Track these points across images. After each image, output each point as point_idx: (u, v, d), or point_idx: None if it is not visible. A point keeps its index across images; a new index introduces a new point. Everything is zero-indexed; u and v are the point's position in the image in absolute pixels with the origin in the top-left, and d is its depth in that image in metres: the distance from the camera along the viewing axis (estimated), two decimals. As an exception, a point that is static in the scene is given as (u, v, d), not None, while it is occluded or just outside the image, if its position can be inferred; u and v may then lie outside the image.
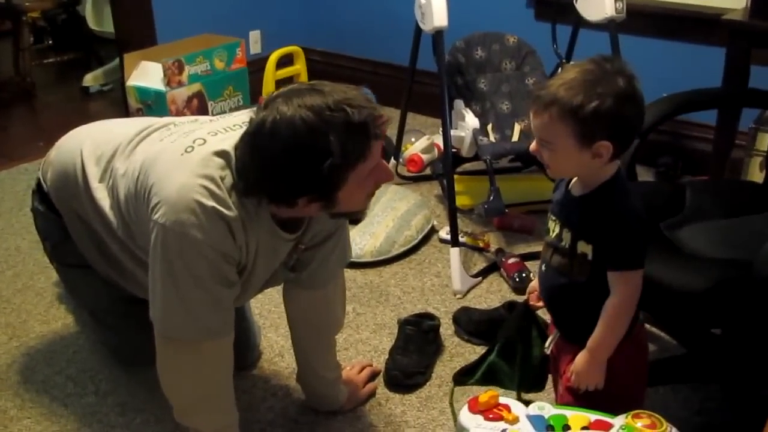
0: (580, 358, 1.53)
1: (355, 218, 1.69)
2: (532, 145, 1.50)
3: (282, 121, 1.41)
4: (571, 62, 3.04)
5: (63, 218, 1.97)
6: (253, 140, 1.45)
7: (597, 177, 1.47)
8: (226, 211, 1.49)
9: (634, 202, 1.48)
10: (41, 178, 2.01)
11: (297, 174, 1.44)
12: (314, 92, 1.44)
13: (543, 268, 1.60)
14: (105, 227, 1.81)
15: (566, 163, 1.46)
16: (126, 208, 1.70)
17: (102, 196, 1.79)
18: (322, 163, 1.42)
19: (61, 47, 5.23)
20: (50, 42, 5.39)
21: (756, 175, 2.70)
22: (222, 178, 1.51)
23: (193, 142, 1.57)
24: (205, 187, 1.49)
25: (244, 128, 1.57)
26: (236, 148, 1.54)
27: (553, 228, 1.55)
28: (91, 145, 1.85)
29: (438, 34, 2.65)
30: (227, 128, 1.61)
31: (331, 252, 1.82)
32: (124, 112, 3.75)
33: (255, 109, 1.50)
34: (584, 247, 1.48)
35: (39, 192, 2.04)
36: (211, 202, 1.48)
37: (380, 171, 1.54)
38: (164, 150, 1.62)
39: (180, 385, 1.67)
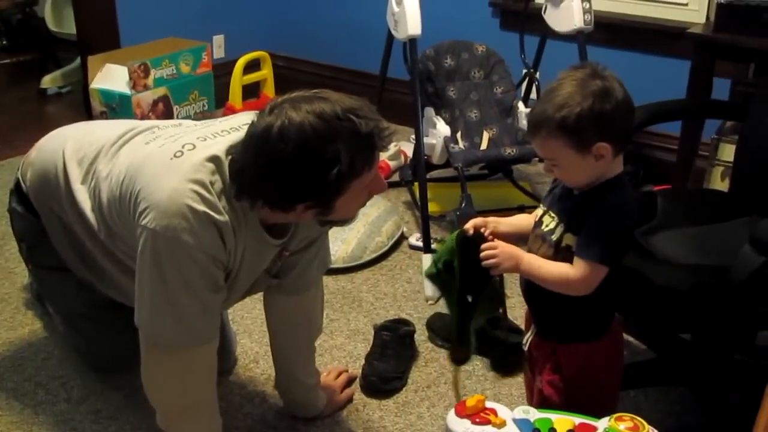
0: (518, 251, 1.57)
1: (342, 225, 1.70)
2: (544, 167, 1.56)
3: (291, 126, 1.41)
4: (537, 73, 3.10)
5: (41, 219, 1.94)
6: (258, 144, 1.45)
7: (604, 175, 1.51)
8: (217, 216, 1.49)
9: (629, 204, 1.53)
10: (20, 179, 1.98)
11: (302, 180, 1.45)
12: (321, 100, 1.45)
13: None
14: (85, 229, 1.79)
15: (576, 172, 1.51)
16: (108, 212, 1.68)
17: (83, 198, 1.76)
18: (330, 171, 1.43)
19: (16, 48, 5.12)
20: (4, 42, 5.28)
21: (718, 184, 2.78)
22: (212, 183, 1.50)
23: (182, 147, 1.56)
24: (196, 192, 1.48)
25: (234, 134, 1.56)
26: (229, 152, 1.53)
27: (548, 222, 1.58)
28: (73, 146, 1.83)
29: (412, 42, 2.68)
30: (216, 134, 1.60)
31: (313, 258, 1.83)
32: (85, 114, 3.70)
33: (256, 114, 1.50)
34: (569, 240, 1.52)
35: (17, 192, 2.00)
36: (202, 207, 1.47)
37: (377, 182, 1.56)
38: (151, 154, 1.60)
39: (166, 391, 1.65)
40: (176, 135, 1.64)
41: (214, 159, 1.52)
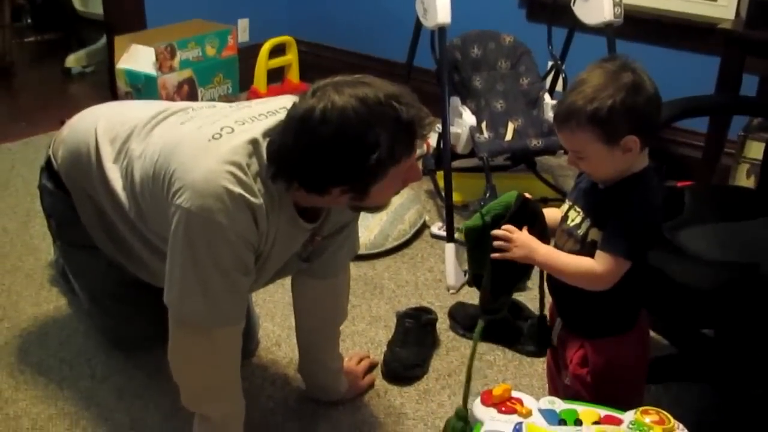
0: (535, 242, 1.55)
1: (374, 212, 1.70)
2: (568, 159, 1.55)
3: (334, 109, 1.41)
4: (564, 65, 3.08)
5: (71, 197, 1.96)
6: (300, 126, 1.45)
7: (630, 169, 1.51)
8: (252, 199, 1.49)
9: (655, 199, 1.52)
10: (51, 156, 1.99)
11: (342, 163, 1.45)
12: (364, 85, 1.45)
13: None
14: (115, 208, 1.80)
15: (603, 166, 1.50)
16: (141, 191, 1.69)
17: (115, 176, 1.77)
18: (369, 156, 1.43)
19: (41, 27, 5.15)
20: (29, 21, 5.30)
21: (743, 182, 2.77)
22: (249, 165, 1.51)
23: (221, 129, 1.56)
24: (233, 174, 1.48)
25: (271, 117, 1.56)
26: (267, 133, 1.54)
27: (573, 217, 1.58)
28: (105, 125, 1.84)
29: (441, 31, 2.67)
30: (254, 117, 1.60)
31: (343, 243, 1.83)
32: (109, 94, 3.72)
33: (298, 96, 1.50)
34: (595, 235, 1.52)
35: (48, 169, 2.01)
36: (238, 189, 1.48)
37: (413, 170, 1.56)
38: (188, 135, 1.61)
39: (191, 371, 1.67)
40: (213, 117, 1.64)
41: (253, 142, 1.53)
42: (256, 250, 1.58)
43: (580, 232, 1.55)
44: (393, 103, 1.44)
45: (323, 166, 1.46)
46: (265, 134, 1.54)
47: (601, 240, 1.50)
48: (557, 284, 1.61)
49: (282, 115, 1.54)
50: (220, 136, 1.55)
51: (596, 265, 1.50)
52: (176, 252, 1.54)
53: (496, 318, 1.68)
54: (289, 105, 1.53)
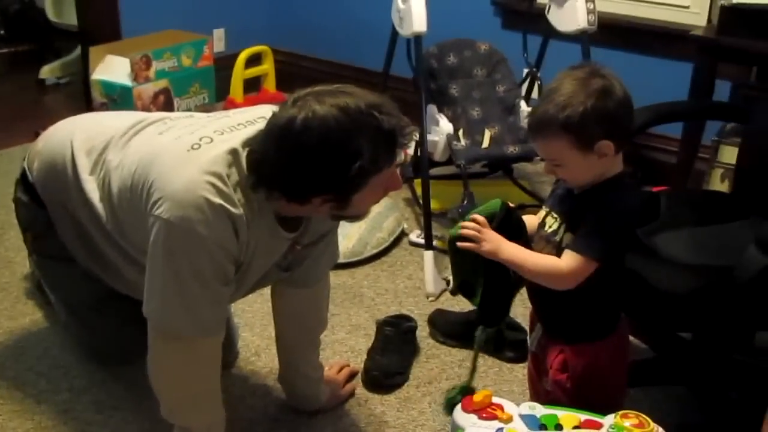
0: (502, 240, 1.55)
1: (354, 221, 1.71)
2: (545, 168, 1.56)
3: (315, 118, 1.42)
4: (539, 72, 3.11)
5: (47, 209, 1.94)
6: (282, 135, 1.45)
7: (603, 174, 1.52)
8: (232, 209, 1.49)
9: (630, 201, 1.53)
10: (26, 168, 1.98)
11: (324, 172, 1.45)
12: (345, 94, 1.46)
13: None
14: (92, 220, 1.78)
15: (579, 172, 1.51)
16: (118, 202, 1.68)
17: (92, 188, 1.76)
18: (351, 165, 1.43)
19: (15, 38, 5.09)
20: (2, 32, 5.25)
21: (717, 186, 2.80)
22: (228, 175, 1.50)
23: (200, 139, 1.56)
24: (212, 184, 1.48)
25: (251, 127, 1.56)
26: (247, 143, 1.54)
27: (551, 224, 1.59)
28: (81, 136, 1.83)
29: (417, 39, 2.68)
30: (232, 127, 1.60)
31: (323, 251, 1.83)
32: (84, 105, 3.70)
33: (278, 106, 1.50)
34: (569, 239, 1.53)
35: (23, 182, 2.00)
36: (218, 200, 1.48)
37: (394, 179, 1.57)
38: (167, 146, 1.60)
39: (171, 382, 1.66)
40: (192, 127, 1.64)
41: (232, 152, 1.53)
42: (236, 260, 1.57)
43: (557, 238, 1.56)
44: (374, 113, 1.44)
45: (305, 175, 1.46)
46: (245, 144, 1.54)
47: (571, 240, 1.51)
48: (537, 289, 1.62)
49: (261, 125, 1.54)
50: (199, 146, 1.54)
51: (561, 263, 1.50)
52: (156, 263, 1.53)
53: (497, 326, 1.68)
54: (268, 115, 1.53)
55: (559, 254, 1.54)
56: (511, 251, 1.54)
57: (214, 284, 1.54)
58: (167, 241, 1.49)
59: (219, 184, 1.49)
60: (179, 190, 1.48)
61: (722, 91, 2.82)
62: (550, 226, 1.59)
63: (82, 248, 1.91)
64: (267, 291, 1.95)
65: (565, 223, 1.55)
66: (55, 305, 2.18)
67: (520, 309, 2.31)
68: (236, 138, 1.56)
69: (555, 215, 1.59)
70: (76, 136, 1.83)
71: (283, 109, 1.47)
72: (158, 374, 1.65)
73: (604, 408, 1.52)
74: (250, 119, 1.61)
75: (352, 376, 2.13)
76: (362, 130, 1.43)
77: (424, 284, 2.58)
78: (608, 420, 1.49)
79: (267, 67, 4.00)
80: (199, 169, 1.50)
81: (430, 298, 2.52)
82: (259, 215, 1.56)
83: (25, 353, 2.19)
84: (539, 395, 1.74)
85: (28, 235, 2.08)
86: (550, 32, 3.04)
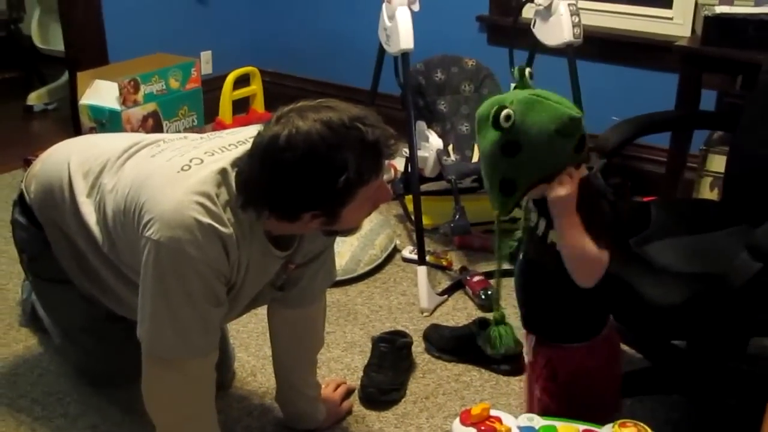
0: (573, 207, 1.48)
1: (347, 235, 1.71)
2: None
3: (299, 135, 1.42)
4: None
5: (44, 231, 1.94)
6: (266, 153, 1.45)
7: None
8: (222, 229, 1.49)
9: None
10: (24, 190, 1.98)
11: (310, 187, 1.46)
12: (328, 108, 1.46)
13: (520, 257, 1.66)
14: (89, 242, 1.78)
15: None
16: (113, 225, 1.67)
17: (88, 211, 1.76)
18: (337, 178, 1.44)
19: (1, 65, 5.09)
20: (-12, 59, 5.26)
21: (706, 195, 2.81)
22: (218, 195, 1.51)
23: (190, 161, 1.56)
24: (202, 204, 1.48)
25: (241, 147, 1.57)
26: (236, 163, 1.54)
27: (534, 218, 1.59)
28: (78, 159, 1.83)
29: (404, 56, 2.70)
30: (223, 148, 1.60)
31: (318, 271, 1.83)
32: (73, 130, 3.70)
33: (263, 125, 1.51)
34: (554, 236, 1.53)
35: (21, 204, 2.00)
36: (207, 219, 1.48)
37: (382, 190, 1.57)
38: (158, 168, 1.60)
39: (165, 404, 1.65)
40: (183, 148, 1.64)
41: (221, 172, 1.53)
42: (227, 280, 1.57)
43: (539, 232, 1.56)
44: (358, 125, 1.45)
45: (292, 191, 1.47)
46: (234, 164, 1.55)
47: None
48: (525, 286, 1.64)
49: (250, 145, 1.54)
50: (189, 167, 1.55)
51: (604, 256, 1.48)
52: (147, 284, 1.53)
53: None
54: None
55: (542, 249, 1.54)
56: (569, 220, 1.47)
57: (203, 305, 1.54)
58: (157, 261, 1.49)
59: (208, 203, 1.49)
60: (168, 210, 1.49)
61: (708, 100, 2.85)
62: (532, 220, 1.59)
63: (79, 269, 1.91)
64: (261, 311, 1.95)
65: (545, 218, 1.54)
66: (50, 328, 2.17)
67: (515, 322, 2.32)
68: (226, 158, 1.56)
69: (534, 208, 1.59)
70: (72, 159, 1.84)
71: (267, 127, 1.47)
72: (152, 397, 1.64)
73: (597, 416, 1.52)
74: (242, 139, 1.62)
75: (348, 393, 2.12)
76: (347, 143, 1.44)
77: (418, 300, 2.58)
78: (606, 430, 1.48)
79: (255, 87, 4.01)
80: (188, 189, 1.50)
81: (425, 314, 2.53)
82: (250, 234, 1.56)
83: (19, 380, 2.17)
84: (533, 405, 1.74)
85: (24, 257, 2.08)
86: (536, 46, 3.06)
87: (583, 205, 1.48)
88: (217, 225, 1.49)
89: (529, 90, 1.50)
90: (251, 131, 1.62)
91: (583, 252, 1.47)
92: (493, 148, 1.45)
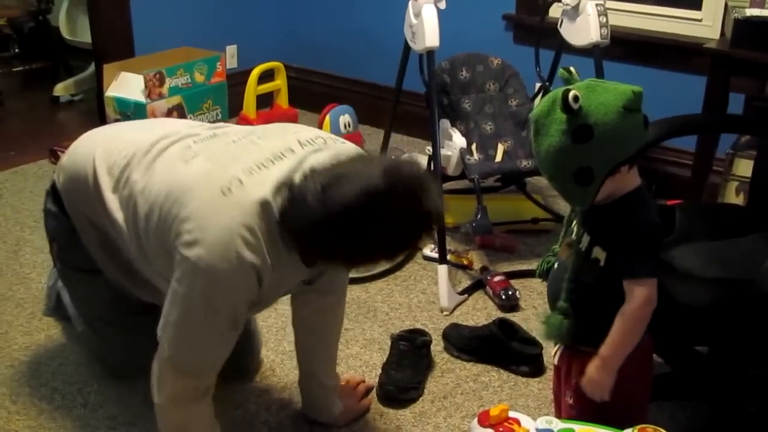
0: (592, 365, 1.55)
1: None
2: None
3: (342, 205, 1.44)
4: (552, 86, 3.10)
5: (72, 220, 1.96)
6: (323, 221, 1.45)
7: (620, 189, 1.52)
8: (260, 263, 1.53)
9: (653, 215, 1.53)
10: (55, 180, 2.00)
11: (346, 251, 1.51)
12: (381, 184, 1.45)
13: (555, 265, 1.65)
14: (118, 235, 1.81)
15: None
16: (144, 228, 1.68)
17: (115, 207, 1.77)
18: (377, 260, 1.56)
19: (29, 56, 5.16)
20: (17, 50, 5.31)
21: (732, 199, 2.78)
22: (259, 227, 1.52)
23: (230, 183, 1.55)
24: (244, 239, 1.50)
25: (278, 164, 1.58)
26: (278, 191, 1.54)
27: (578, 230, 1.59)
28: (102, 153, 1.83)
29: (429, 54, 2.69)
30: (261, 165, 1.58)
31: None
32: (98, 122, 3.72)
33: (295, 146, 1.60)
34: (599, 253, 1.54)
35: (53, 193, 2.02)
36: (249, 254, 1.50)
37: None
38: (196, 183, 1.59)
39: (174, 401, 1.69)
40: (218, 156, 1.65)
41: (263, 203, 1.53)
42: (253, 301, 1.62)
43: (581, 246, 1.56)
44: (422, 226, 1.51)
45: (326, 251, 1.53)
46: (276, 191, 1.53)
47: (623, 273, 1.51)
48: (557, 295, 1.61)
49: (290, 161, 1.56)
50: (230, 190, 1.55)
51: (633, 303, 1.51)
52: (176, 297, 1.57)
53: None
54: (295, 148, 1.58)
55: (583, 263, 1.55)
56: (614, 361, 1.54)
57: (224, 328, 1.59)
58: (192, 282, 1.53)
59: (250, 238, 1.51)
60: (212, 238, 1.51)
61: (736, 103, 2.82)
62: (576, 232, 1.60)
63: (107, 257, 1.93)
64: (280, 306, 1.96)
65: (588, 234, 1.55)
66: (73, 317, 2.19)
67: (534, 323, 2.31)
68: (267, 184, 1.54)
69: (577, 221, 1.60)
70: (97, 152, 1.84)
71: (321, 191, 1.45)
72: (160, 396, 1.68)
73: (628, 420, 1.51)
74: (277, 153, 1.60)
75: (368, 391, 2.12)
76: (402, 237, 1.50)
77: (438, 299, 2.57)
78: (625, 434, 1.47)
79: (279, 82, 4.01)
80: (233, 219, 1.51)
81: (445, 313, 2.52)
82: (285, 258, 1.58)
83: (41, 369, 2.19)
84: (561, 410, 1.73)
85: (54, 246, 2.10)
86: (562, 46, 3.04)
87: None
88: (256, 260, 1.52)
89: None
90: (286, 142, 1.64)
91: (632, 320, 1.53)
92: (563, 139, 1.46)
